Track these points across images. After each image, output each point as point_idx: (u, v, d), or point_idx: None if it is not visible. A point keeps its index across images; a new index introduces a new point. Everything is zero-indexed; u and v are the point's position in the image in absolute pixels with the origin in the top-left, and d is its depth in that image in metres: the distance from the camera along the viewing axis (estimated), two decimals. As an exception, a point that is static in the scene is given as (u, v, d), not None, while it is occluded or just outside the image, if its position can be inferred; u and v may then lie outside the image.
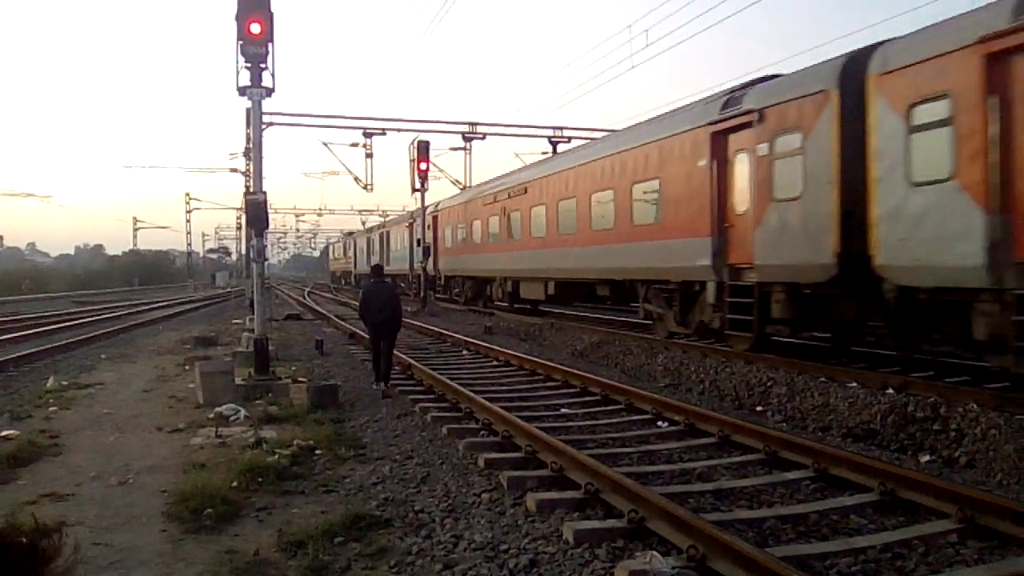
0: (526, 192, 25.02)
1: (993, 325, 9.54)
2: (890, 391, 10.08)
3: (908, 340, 11.92)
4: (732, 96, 14.52)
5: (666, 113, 17.64)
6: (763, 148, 13.22)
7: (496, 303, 29.55)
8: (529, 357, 15.04)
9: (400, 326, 13.42)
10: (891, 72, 10.86)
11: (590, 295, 22.00)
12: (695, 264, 14.99)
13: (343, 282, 77.34)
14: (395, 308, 12.92)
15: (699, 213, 14.86)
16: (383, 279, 14.06)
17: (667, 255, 16.10)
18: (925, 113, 10.32)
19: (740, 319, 13.83)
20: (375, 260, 51.41)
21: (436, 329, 21.89)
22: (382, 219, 66.46)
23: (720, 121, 14.33)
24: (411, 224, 40.75)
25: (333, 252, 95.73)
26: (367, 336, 14.12)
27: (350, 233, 79.54)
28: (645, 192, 17.26)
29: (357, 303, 14.90)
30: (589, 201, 20.08)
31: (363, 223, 78.26)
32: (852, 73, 11.64)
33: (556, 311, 27.02)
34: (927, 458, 8.33)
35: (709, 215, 14.55)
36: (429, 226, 36.00)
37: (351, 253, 71.88)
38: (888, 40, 11.41)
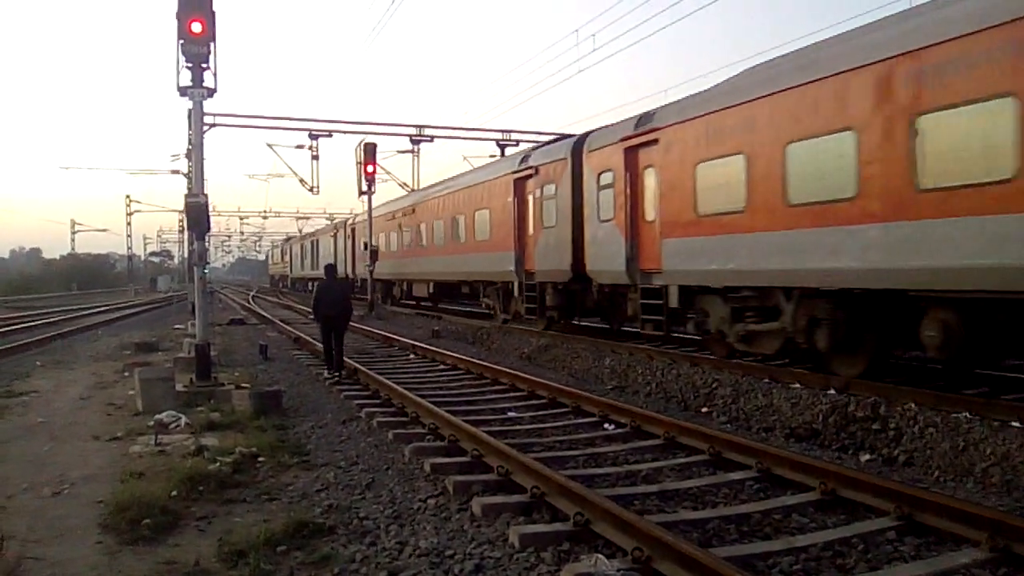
0: (414, 212, 31.64)
1: (633, 306, 15.93)
2: (832, 391, 10.27)
3: (609, 318, 18.96)
4: (527, 155, 21.56)
5: (498, 160, 25.78)
6: (538, 192, 19.98)
7: (402, 301, 35.57)
8: (476, 361, 15.02)
9: (350, 319, 15.17)
10: (592, 151, 17.36)
11: (457, 293, 28.67)
12: (507, 269, 21.43)
13: (280, 284, 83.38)
14: (347, 303, 14.72)
15: (508, 234, 21.35)
16: (335, 277, 15.73)
17: (494, 263, 22.45)
18: (604, 179, 16.65)
19: (533, 307, 20.36)
20: (308, 263, 61.49)
21: (383, 333, 21.74)
22: (329, 221, 66.20)
23: (517, 172, 21.11)
24: (335, 234, 50.17)
25: (272, 257, 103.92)
26: (313, 341, 15.65)
27: (287, 239, 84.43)
28: (482, 218, 23.70)
29: (303, 308, 16.32)
30: (453, 221, 26.50)
31: (299, 230, 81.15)
32: (578, 148, 18.04)
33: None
34: (867, 457, 8.50)
35: (513, 236, 21.06)
36: (348, 236, 44.33)
37: (287, 258, 79.10)
38: (596, 129, 17.95)
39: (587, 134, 18.07)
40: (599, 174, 16.79)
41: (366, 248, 34.21)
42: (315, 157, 35.36)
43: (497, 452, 7.54)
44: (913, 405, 9.08)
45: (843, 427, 9.21)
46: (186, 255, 43.96)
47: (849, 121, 10.23)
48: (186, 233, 32.75)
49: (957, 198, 8.90)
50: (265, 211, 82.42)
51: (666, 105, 15.15)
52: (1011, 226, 8.30)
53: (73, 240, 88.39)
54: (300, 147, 35.23)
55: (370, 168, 32.91)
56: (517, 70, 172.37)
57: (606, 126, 17.48)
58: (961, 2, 9.21)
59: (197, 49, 12.27)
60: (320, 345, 15.19)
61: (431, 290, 30.47)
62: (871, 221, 9.96)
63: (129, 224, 73.73)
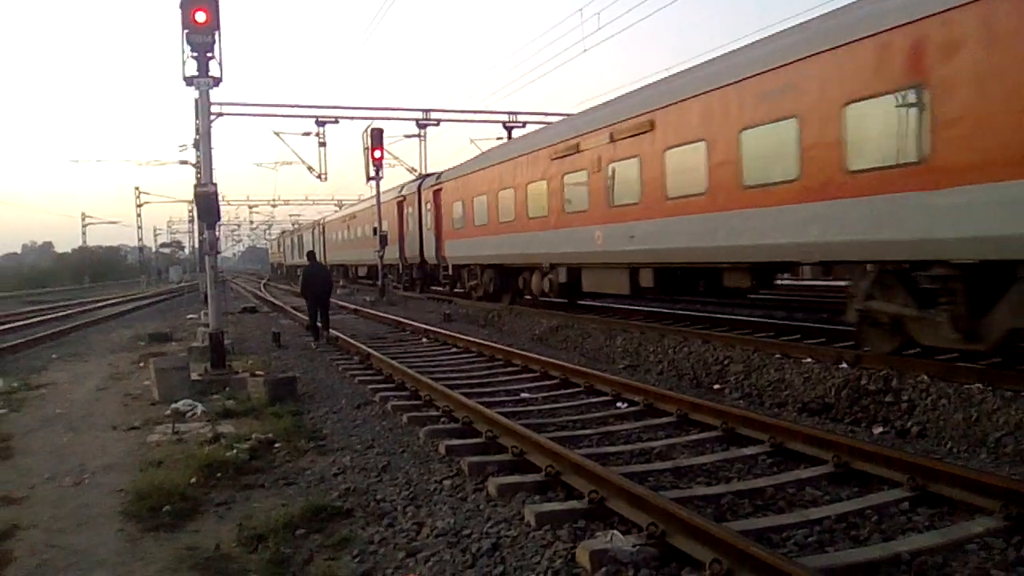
0: (355, 218, 44.68)
1: (440, 275, 29.50)
2: (844, 365, 10.27)
3: (433, 284, 32.16)
4: (404, 186, 34.12)
5: (391, 188, 35.78)
6: (405, 211, 33.00)
7: (356, 281, 47.31)
8: (488, 343, 15.05)
9: (331, 293, 19.29)
10: (424, 188, 30.17)
11: (375, 274, 39.72)
12: (396, 257, 34.61)
13: (278, 272, 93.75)
14: (330, 283, 18.79)
15: (396, 235, 34.02)
16: (317, 262, 19.82)
17: (392, 253, 34.32)
18: (428, 206, 29.51)
19: (411, 279, 34.34)
20: (296, 253, 71.74)
21: (394, 318, 21.80)
22: (337, 208, 66.47)
23: (398, 197, 33.76)
24: (312, 229, 63.91)
25: (271, 248, 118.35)
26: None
27: (282, 233, 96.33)
28: (385, 224, 34.52)
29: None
30: (365, 228, 38.51)
31: (292, 224, 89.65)
32: (420, 185, 30.74)
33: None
34: (880, 429, 8.52)
35: (398, 235, 33.92)
36: (320, 232, 58.59)
37: (282, 249, 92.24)
38: (429, 174, 31.82)
39: (425, 176, 31.57)
40: (426, 202, 29.68)
41: (373, 233, 34.44)
42: (322, 144, 35.41)
43: (511, 432, 7.60)
44: (925, 377, 9.09)
45: (855, 400, 9.23)
46: (196, 245, 45.03)
47: (486, 189, 22.32)
48: (196, 223, 32.97)
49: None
50: (274, 199, 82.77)
51: (450, 168, 27.75)
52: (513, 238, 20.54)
53: (84, 233, 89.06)
54: (307, 134, 35.24)
55: (377, 153, 32.90)
56: (522, 51, 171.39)
57: (432, 173, 30.97)
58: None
59: (202, 38, 12.26)
60: (306, 319, 18.75)
61: (365, 272, 41.72)
62: (499, 233, 21.34)
63: (139, 215, 74.11)
